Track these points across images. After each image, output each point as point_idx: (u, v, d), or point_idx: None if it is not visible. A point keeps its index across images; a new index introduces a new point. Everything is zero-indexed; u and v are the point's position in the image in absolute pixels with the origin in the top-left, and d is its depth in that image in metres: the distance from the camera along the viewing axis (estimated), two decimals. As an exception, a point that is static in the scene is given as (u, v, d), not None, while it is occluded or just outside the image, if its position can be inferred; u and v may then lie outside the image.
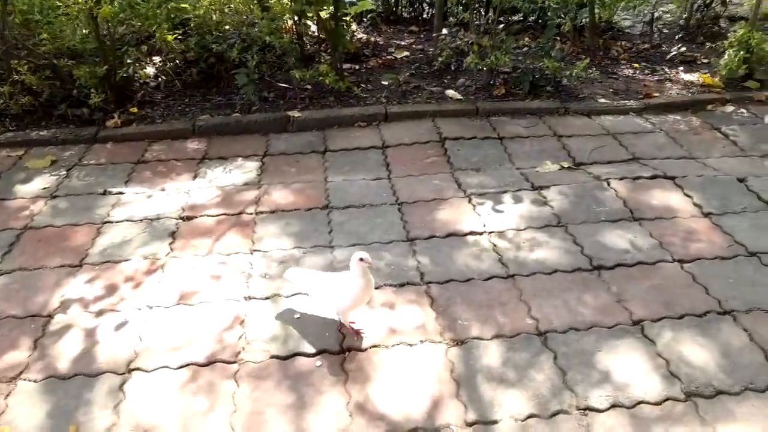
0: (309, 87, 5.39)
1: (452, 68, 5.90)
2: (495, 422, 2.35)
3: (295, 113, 5.00)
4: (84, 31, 5.09)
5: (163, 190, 4.10)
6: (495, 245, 3.39)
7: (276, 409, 2.44)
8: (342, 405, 2.45)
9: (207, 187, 4.12)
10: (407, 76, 5.75)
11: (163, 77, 5.60)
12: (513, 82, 5.49)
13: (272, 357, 2.68)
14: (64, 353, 2.73)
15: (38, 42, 5.05)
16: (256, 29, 5.44)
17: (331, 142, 4.71)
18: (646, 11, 7.04)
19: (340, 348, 2.72)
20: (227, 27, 5.57)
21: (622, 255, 3.27)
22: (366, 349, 2.71)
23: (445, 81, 5.70)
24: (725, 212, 3.61)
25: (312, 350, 2.71)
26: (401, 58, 6.28)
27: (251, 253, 3.38)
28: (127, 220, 3.73)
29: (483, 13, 6.57)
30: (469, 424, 2.35)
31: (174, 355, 2.70)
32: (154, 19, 5.12)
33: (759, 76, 5.53)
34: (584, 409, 2.38)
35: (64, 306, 3.02)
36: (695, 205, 3.69)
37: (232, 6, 5.76)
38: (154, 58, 5.82)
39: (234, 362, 2.66)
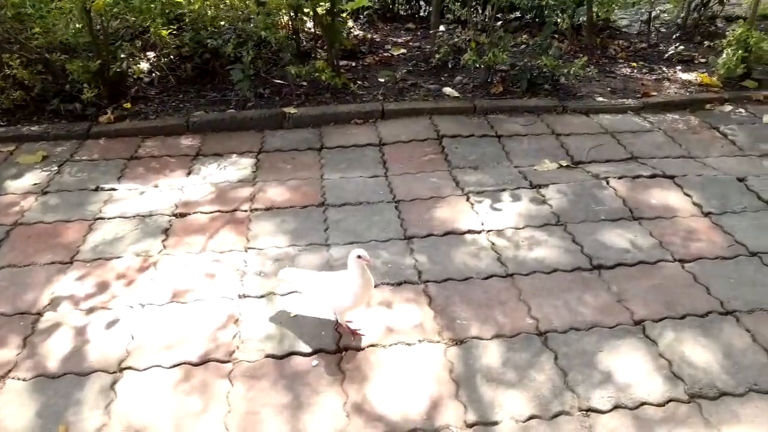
0: (305, 83, 5.34)
1: (449, 66, 5.86)
2: (495, 423, 2.30)
3: (291, 110, 4.94)
4: (77, 25, 5.00)
5: (156, 186, 4.04)
6: (493, 244, 3.35)
7: (271, 409, 2.39)
8: (339, 405, 2.40)
9: (201, 183, 4.06)
10: (404, 74, 5.70)
11: (157, 73, 5.53)
12: (511, 80, 5.45)
13: (267, 356, 2.63)
14: (54, 351, 2.67)
15: (30, 36, 4.96)
16: (251, 25, 5.37)
17: (328, 139, 4.66)
18: (643, 10, 7.02)
19: (337, 347, 2.67)
20: (222, 22, 5.50)
21: (622, 254, 3.23)
22: (363, 349, 2.66)
23: (443, 78, 5.66)
24: (725, 212, 3.58)
25: (308, 349, 2.66)
26: (398, 55, 6.23)
27: (246, 251, 3.32)
28: (120, 217, 3.67)
29: (480, 10, 6.53)
30: (469, 425, 2.30)
31: (167, 354, 2.64)
32: (149, 13, 5.05)
33: (757, 76, 5.52)
34: (586, 410, 2.34)
35: (54, 303, 2.96)
36: (695, 204, 3.66)
37: (227, 1, 5.68)
38: (148, 53, 5.74)
39: (228, 361, 2.60)
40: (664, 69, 5.93)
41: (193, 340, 2.71)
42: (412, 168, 4.20)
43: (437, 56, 5.68)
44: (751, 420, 2.28)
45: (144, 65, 5.54)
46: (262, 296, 2.98)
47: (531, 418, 2.32)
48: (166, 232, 3.51)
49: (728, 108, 5.13)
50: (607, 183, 3.88)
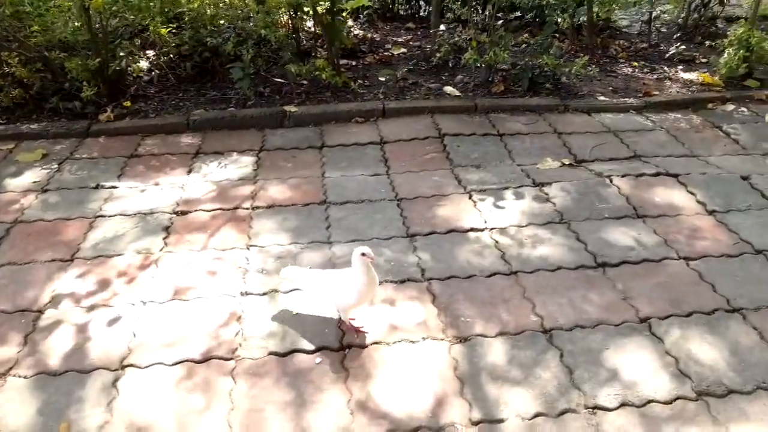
0: (305, 82, 5.31)
1: (450, 65, 5.84)
2: (501, 421, 2.28)
3: (292, 108, 4.92)
4: (76, 23, 4.98)
5: (156, 184, 4.01)
6: (497, 242, 3.33)
7: (275, 407, 2.36)
8: (343, 403, 2.37)
9: (202, 181, 4.04)
10: (405, 72, 5.69)
11: (156, 71, 5.51)
12: (512, 79, 5.43)
13: (270, 353, 2.60)
14: (55, 349, 2.64)
15: (29, 34, 4.95)
16: (251, 23, 5.36)
17: (329, 137, 4.64)
18: (644, 10, 7.01)
19: (340, 345, 2.64)
20: (222, 21, 5.49)
21: (626, 252, 3.21)
22: (367, 346, 2.64)
23: (443, 77, 5.64)
24: (729, 210, 3.56)
25: (311, 347, 2.63)
26: (398, 54, 6.21)
27: (247, 249, 3.30)
28: (120, 215, 3.64)
29: (481, 10, 6.51)
30: (475, 423, 2.28)
31: (169, 352, 2.61)
32: (148, 11, 5.04)
33: (759, 75, 5.51)
34: (593, 408, 2.32)
35: (55, 301, 2.93)
36: (699, 202, 3.64)
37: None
38: (147, 51, 5.72)
39: (231, 359, 2.58)
40: (666, 69, 5.92)
41: (195, 338, 2.69)
42: (414, 166, 4.18)
43: (438, 55, 5.65)
44: (760, 418, 2.26)
45: (143, 64, 5.52)
46: (264, 294, 2.96)
47: (537, 415, 2.30)
48: (167, 229, 3.49)
49: (730, 107, 5.12)
50: (611, 181, 3.86)
